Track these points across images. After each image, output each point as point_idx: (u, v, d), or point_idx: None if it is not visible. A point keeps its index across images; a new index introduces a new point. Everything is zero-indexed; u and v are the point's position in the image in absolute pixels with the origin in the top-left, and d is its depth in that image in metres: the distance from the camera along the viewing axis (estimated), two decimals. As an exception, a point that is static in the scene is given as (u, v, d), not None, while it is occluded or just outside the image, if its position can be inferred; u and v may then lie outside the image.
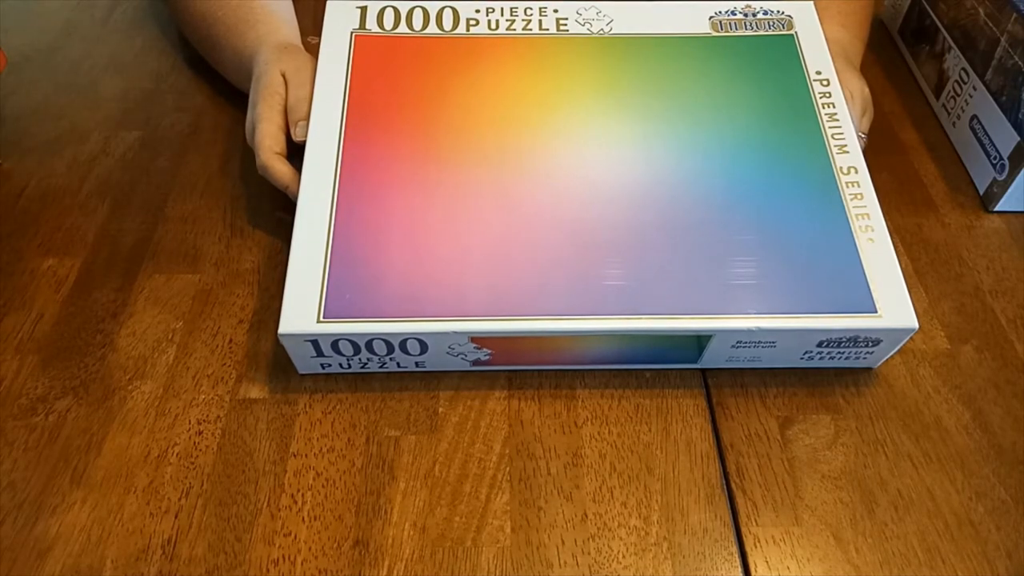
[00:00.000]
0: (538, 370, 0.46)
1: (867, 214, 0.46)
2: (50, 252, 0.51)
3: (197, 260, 0.51)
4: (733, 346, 0.43)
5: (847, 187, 0.47)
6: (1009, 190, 0.54)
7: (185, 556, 0.39)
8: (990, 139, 0.55)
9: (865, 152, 0.49)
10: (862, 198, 0.46)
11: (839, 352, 0.44)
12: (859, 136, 0.51)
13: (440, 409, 0.44)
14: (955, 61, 0.60)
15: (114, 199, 0.54)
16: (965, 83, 0.58)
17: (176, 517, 0.40)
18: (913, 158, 0.59)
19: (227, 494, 0.41)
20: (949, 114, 0.60)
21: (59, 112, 0.60)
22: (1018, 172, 0.53)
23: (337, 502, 0.41)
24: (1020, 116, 0.52)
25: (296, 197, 0.46)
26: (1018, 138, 0.52)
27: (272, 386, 0.45)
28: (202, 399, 0.44)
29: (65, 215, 0.53)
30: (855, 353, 0.44)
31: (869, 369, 0.46)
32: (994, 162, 0.55)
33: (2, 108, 0.60)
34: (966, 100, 0.58)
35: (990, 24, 0.55)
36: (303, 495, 0.41)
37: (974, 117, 0.57)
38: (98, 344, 0.46)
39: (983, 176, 0.56)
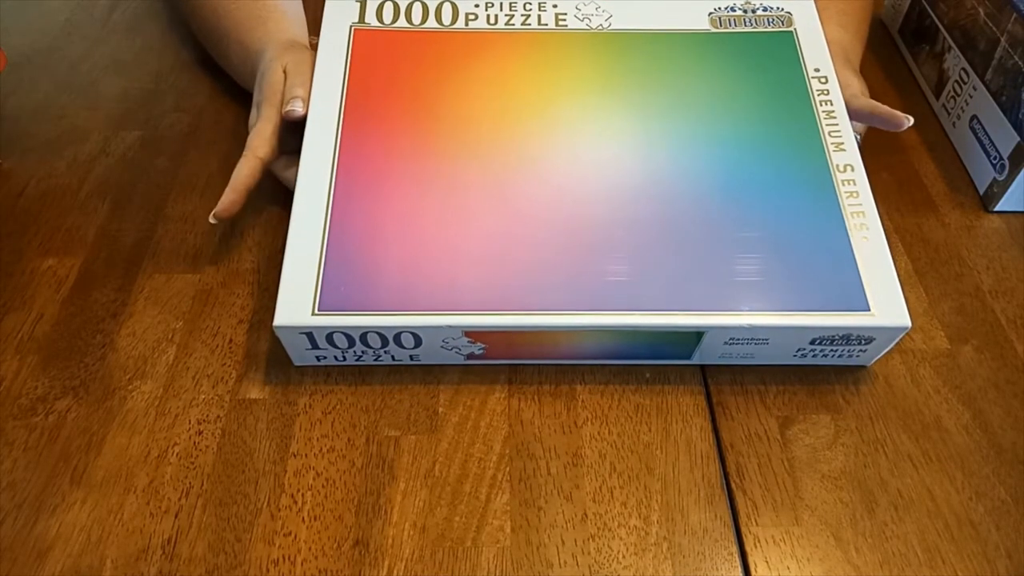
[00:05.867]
0: (535, 368, 0.46)
1: (862, 212, 0.46)
2: (50, 252, 0.51)
3: (197, 260, 0.51)
4: (726, 343, 0.44)
5: (843, 185, 0.47)
6: (1009, 190, 0.54)
7: (185, 556, 0.39)
8: (990, 139, 0.55)
9: (864, 152, 0.49)
10: (857, 196, 0.46)
11: (832, 350, 0.44)
12: (856, 136, 0.51)
13: (440, 409, 0.44)
14: (955, 61, 0.60)
15: (114, 199, 0.54)
16: (965, 83, 0.58)
17: (176, 517, 0.40)
18: (913, 158, 0.59)
19: (227, 494, 0.41)
20: (949, 114, 0.60)
21: (59, 112, 0.60)
22: (1018, 172, 0.53)
23: (337, 502, 0.41)
24: (1020, 116, 0.52)
25: (224, 200, 0.47)
26: (1018, 138, 0.52)
27: (272, 386, 0.45)
28: (202, 399, 0.44)
29: (65, 215, 0.53)
30: (848, 351, 0.44)
31: (870, 369, 0.46)
32: (994, 162, 0.55)
33: (2, 108, 0.60)
34: (966, 100, 0.58)
35: (990, 24, 0.55)
36: (303, 495, 0.41)
37: (974, 117, 0.57)
38: (98, 344, 0.46)
39: (983, 176, 0.56)
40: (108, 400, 0.44)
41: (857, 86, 0.54)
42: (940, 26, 0.62)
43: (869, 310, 0.42)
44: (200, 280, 0.50)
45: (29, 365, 0.45)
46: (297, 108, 0.49)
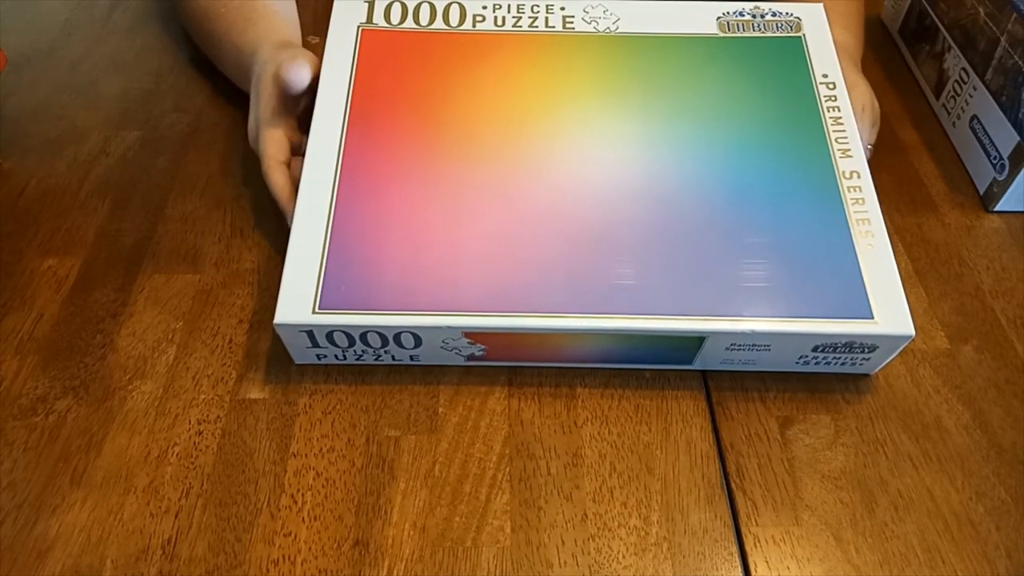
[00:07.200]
0: (535, 368, 0.46)
1: (868, 219, 0.45)
2: (50, 252, 0.51)
3: (197, 260, 0.51)
4: (727, 348, 0.43)
5: (849, 191, 0.47)
6: (1009, 190, 0.54)
7: (185, 556, 0.39)
8: (990, 139, 0.55)
9: (868, 159, 0.49)
10: (863, 203, 0.46)
11: (835, 357, 0.44)
12: (866, 148, 0.51)
13: (440, 409, 0.44)
14: (955, 61, 0.60)
15: (114, 199, 0.54)
16: (965, 83, 0.58)
17: (176, 517, 0.40)
18: (913, 158, 0.59)
19: (227, 494, 0.41)
20: (949, 114, 0.60)
21: (59, 112, 0.60)
22: (1018, 172, 0.53)
23: (337, 502, 0.41)
24: (1020, 116, 0.52)
25: (287, 212, 0.47)
26: (1018, 138, 0.52)
27: (272, 386, 0.45)
28: (202, 399, 0.44)
29: (65, 215, 0.53)
30: (851, 359, 0.44)
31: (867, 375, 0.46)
32: (994, 162, 0.55)
33: (2, 108, 0.60)
34: (966, 100, 0.58)
35: (990, 24, 0.55)
36: (303, 495, 0.41)
37: (974, 117, 0.57)
38: (98, 344, 0.46)
39: (983, 176, 0.56)
40: (108, 400, 0.44)
41: (863, 88, 0.54)
42: (940, 26, 0.62)
43: (872, 318, 0.42)
44: (200, 280, 0.50)
45: (29, 365, 0.45)
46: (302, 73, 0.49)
